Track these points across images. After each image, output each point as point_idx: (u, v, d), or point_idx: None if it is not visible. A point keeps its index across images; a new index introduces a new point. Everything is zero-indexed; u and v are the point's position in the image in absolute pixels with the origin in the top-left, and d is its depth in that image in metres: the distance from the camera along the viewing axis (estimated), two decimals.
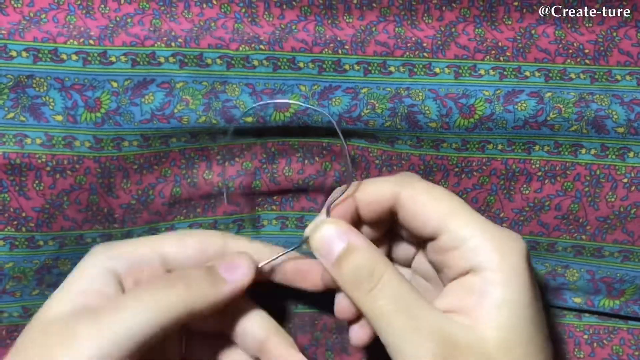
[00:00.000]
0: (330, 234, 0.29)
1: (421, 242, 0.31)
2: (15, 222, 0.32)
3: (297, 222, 0.37)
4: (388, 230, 0.32)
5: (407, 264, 0.34)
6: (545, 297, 0.37)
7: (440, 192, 0.29)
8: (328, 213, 0.30)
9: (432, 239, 0.29)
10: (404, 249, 0.33)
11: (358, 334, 0.30)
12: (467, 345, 0.25)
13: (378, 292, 0.27)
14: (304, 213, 0.37)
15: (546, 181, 0.35)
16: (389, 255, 0.34)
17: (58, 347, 0.25)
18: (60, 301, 0.28)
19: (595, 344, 0.38)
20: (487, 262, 0.26)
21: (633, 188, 0.34)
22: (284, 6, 0.33)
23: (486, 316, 0.25)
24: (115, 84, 0.32)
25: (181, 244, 0.30)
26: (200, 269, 0.29)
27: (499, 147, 0.34)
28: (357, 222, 0.31)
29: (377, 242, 0.31)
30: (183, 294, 0.27)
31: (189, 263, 0.30)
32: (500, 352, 0.25)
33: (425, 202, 0.28)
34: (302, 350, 0.30)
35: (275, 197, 0.36)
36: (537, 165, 0.35)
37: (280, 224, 0.37)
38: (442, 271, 0.29)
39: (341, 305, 0.30)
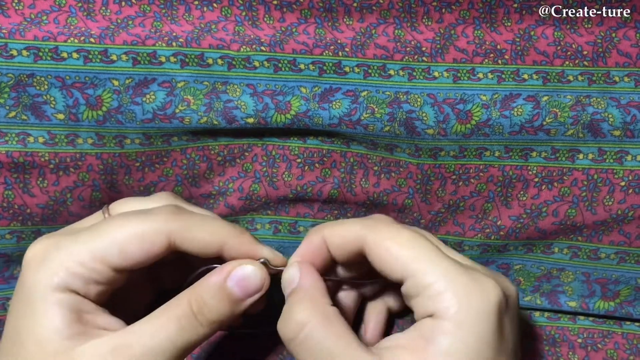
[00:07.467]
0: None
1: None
2: (20, 218, 0.33)
3: (290, 228, 0.37)
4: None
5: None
6: (538, 301, 0.38)
7: (407, 238, 0.28)
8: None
9: (400, 283, 0.28)
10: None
11: None
12: None
13: (299, 343, 0.27)
14: (298, 219, 0.37)
15: (543, 187, 0.35)
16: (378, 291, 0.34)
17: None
18: None
19: (589, 348, 0.37)
20: (445, 309, 0.26)
21: (630, 191, 0.34)
22: (284, 9, 0.33)
23: None
24: (116, 83, 0.32)
25: (122, 254, 0.27)
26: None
27: (496, 153, 0.34)
28: (329, 262, 0.30)
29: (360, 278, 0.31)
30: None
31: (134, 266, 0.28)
32: None
33: (390, 248, 0.27)
34: None
35: (271, 203, 0.36)
36: (534, 172, 0.35)
37: (273, 228, 0.37)
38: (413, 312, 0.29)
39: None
